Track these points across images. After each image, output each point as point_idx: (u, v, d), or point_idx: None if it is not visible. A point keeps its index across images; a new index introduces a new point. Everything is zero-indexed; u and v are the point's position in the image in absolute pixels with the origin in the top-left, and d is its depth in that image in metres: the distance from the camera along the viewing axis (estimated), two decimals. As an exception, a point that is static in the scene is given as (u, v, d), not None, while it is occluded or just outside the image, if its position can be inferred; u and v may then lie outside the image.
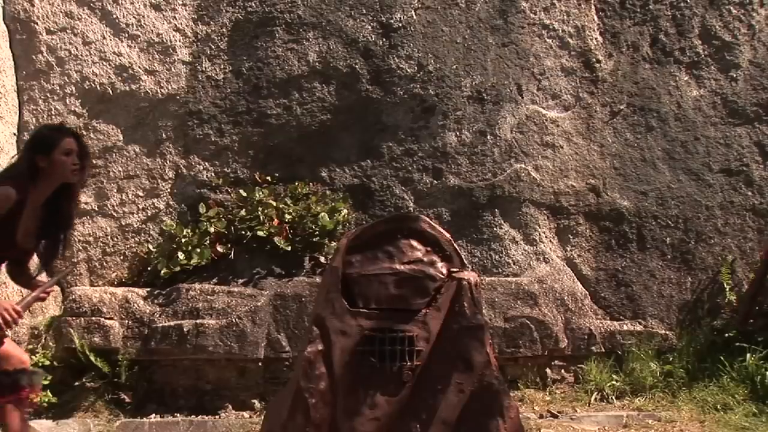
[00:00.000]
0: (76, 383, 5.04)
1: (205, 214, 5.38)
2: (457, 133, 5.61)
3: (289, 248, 5.23)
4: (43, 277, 3.73)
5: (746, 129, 5.70)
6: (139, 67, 5.58)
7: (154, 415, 4.96)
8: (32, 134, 3.74)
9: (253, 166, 5.56)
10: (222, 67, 5.62)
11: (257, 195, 5.37)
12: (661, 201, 5.62)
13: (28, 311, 5.14)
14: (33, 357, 5.12)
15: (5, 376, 3.41)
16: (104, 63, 5.56)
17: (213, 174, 5.56)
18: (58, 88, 5.54)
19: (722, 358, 5.15)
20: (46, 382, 4.99)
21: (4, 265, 3.70)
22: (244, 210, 5.33)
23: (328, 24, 5.64)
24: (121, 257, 5.53)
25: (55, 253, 3.66)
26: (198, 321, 5.03)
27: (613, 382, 5.16)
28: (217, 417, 4.97)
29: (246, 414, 4.99)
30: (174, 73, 5.61)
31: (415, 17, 5.66)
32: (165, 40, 5.61)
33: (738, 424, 4.67)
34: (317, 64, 5.62)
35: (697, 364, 5.23)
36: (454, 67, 5.64)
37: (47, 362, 5.10)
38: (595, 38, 5.74)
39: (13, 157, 3.80)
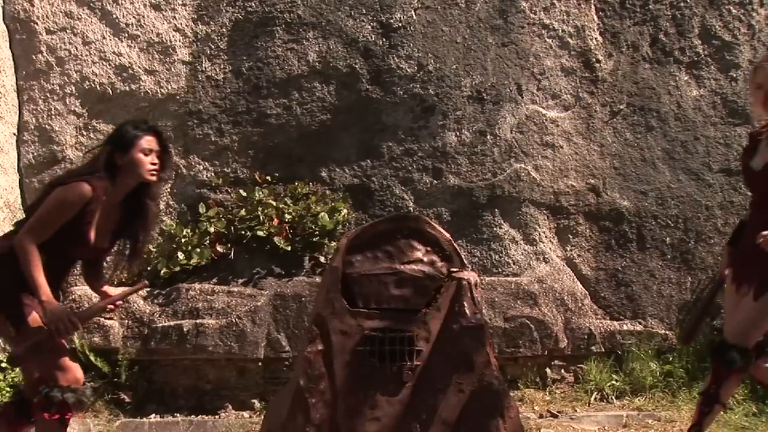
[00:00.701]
0: (76, 383, 5.04)
1: (205, 214, 5.38)
2: (457, 133, 5.61)
3: (289, 248, 5.24)
4: (112, 290, 3.55)
5: (746, 129, 5.68)
6: (139, 67, 5.58)
7: (154, 415, 4.97)
8: (114, 129, 3.60)
9: (253, 166, 5.56)
10: (222, 67, 5.62)
11: (257, 195, 5.37)
12: (661, 201, 5.62)
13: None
14: (33, 357, 5.12)
15: (58, 391, 3.26)
16: (104, 63, 5.57)
17: (213, 174, 5.56)
18: (58, 88, 5.55)
19: (722, 358, 5.15)
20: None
21: (80, 267, 3.60)
22: (243, 210, 5.34)
23: (328, 24, 5.64)
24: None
25: (134, 255, 3.51)
26: (198, 321, 5.03)
27: (613, 382, 5.16)
28: (217, 417, 4.97)
29: (246, 414, 5.00)
30: (174, 73, 5.61)
31: (415, 17, 5.66)
32: (165, 40, 5.61)
33: (738, 424, 4.67)
34: (317, 64, 5.62)
35: (697, 364, 5.23)
36: (454, 67, 5.64)
37: (47, 362, 5.09)
38: (595, 38, 5.74)
39: (93, 149, 3.63)
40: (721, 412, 4.78)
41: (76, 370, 3.33)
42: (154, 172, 3.40)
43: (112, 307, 3.47)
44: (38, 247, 3.23)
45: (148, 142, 3.39)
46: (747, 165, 3.63)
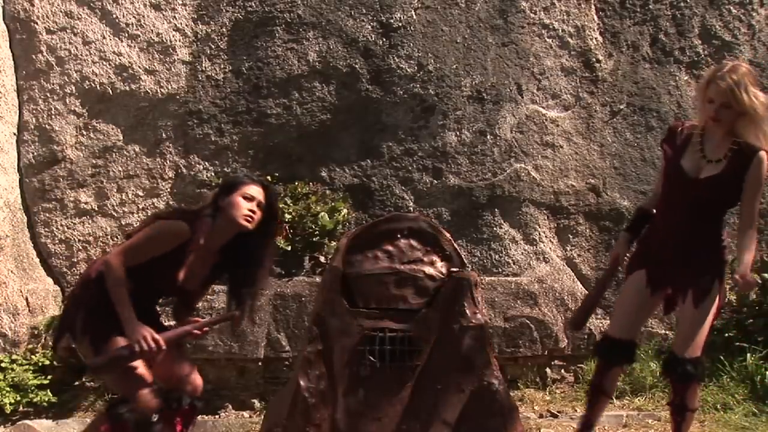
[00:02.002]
0: (76, 383, 5.05)
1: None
2: (457, 133, 5.61)
3: (288, 248, 5.24)
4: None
5: (746, 129, 5.70)
6: (139, 66, 5.58)
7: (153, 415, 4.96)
8: (224, 178, 3.61)
9: (253, 165, 5.56)
10: (222, 66, 5.62)
11: (257, 195, 5.36)
12: (661, 201, 5.62)
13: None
14: (33, 357, 5.12)
15: (123, 407, 3.24)
16: (104, 63, 5.56)
17: (213, 174, 5.56)
18: (58, 87, 5.54)
19: (722, 357, 5.15)
20: (45, 382, 5.01)
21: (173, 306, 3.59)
22: (244, 210, 5.33)
23: (328, 24, 5.64)
24: (121, 257, 5.53)
25: (240, 301, 3.44)
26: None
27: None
28: (216, 417, 4.97)
29: (246, 414, 5.00)
30: (174, 72, 5.61)
31: (415, 17, 5.66)
32: (165, 40, 5.61)
33: (738, 424, 4.67)
34: (317, 63, 5.61)
35: (697, 363, 5.23)
36: (454, 66, 5.64)
37: (47, 362, 5.10)
38: (595, 38, 5.74)
39: (205, 198, 3.63)
40: (721, 412, 4.82)
41: (150, 398, 3.26)
42: (249, 219, 3.35)
43: (198, 332, 3.41)
44: (128, 274, 3.24)
45: (252, 189, 3.38)
46: (679, 164, 3.54)
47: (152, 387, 3.28)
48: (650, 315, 4.00)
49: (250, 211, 3.35)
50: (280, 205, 5.27)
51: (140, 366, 3.27)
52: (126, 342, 3.22)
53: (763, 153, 3.44)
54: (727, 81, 3.37)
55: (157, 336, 3.22)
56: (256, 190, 3.39)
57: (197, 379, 3.47)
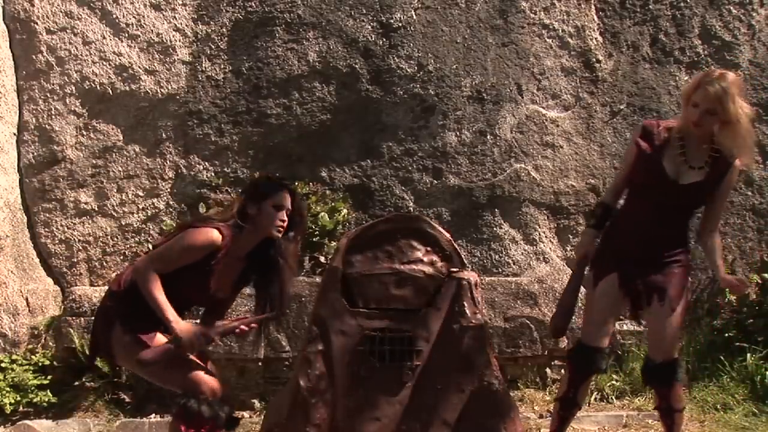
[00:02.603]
0: (76, 383, 5.04)
1: (205, 213, 5.37)
2: (457, 133, 5.61)
3: (289, 248, 5.23)
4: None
5: (746, 129, 5.70)
6: (139, 67, 5.58)
7: (154, 414, 4.96)
8: (251, 181, 3.59)
9: (253, 165, 5.56)
10: (222, 67, 5.62)
11: (257, 195, 5.36)
12: (661, 201, 5.61)
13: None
14: (33, 357, 5.13)
15: (195, 402, 3.23)
16: (104, 63, 5.56)
17: (213, 174, 5.56)
18: (58, 88, 5.55)
19: (722, 357, 5.15)
20: (45, 382, 5.01)
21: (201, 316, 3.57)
22: (244, 210, 5.33)
23: (328, 24, 5.64)
24: (121, 257, 5.53)
25: (269, 314, 3.46)
26: (197, 320, 5.02)
27: (613, 382, 5.16)
28: (217, 417, 4.96)
29: (246, 414, 4.99)
30: (174, 73, 5.61)
31: (415, 17, 5.66)
32: (165, 40, 5.61)
33: (738, 424, 4.67)
34: (317, 64, 5.62)
35: (697, 364, 5.23)
36: (454, 67, 5.64)
37: (47, 362, 5.10)
38: (595, 38, 5.74)
39: (230, 205, 3.56)
40: (721, 412, 4.82)
41: (212, 382, 3.29)
42: (281, 229, 3.36)
43: (244, 328, 3.40)
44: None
45: (282, 198, 3.37)
46: (660, 165, 3.50)
47: (210, 376, 3.31)
48: (618, 318, 3.95)
49: (281, 221, 3.36)
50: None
51: (188, 359, 3.29)
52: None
53: (738, 162, 3.48)
54: (716, 87, 3.35)
55: (206, 331, 3.25)
56: (285, 198, 3.38)
57: (215, 383, 3.44)
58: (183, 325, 3.21)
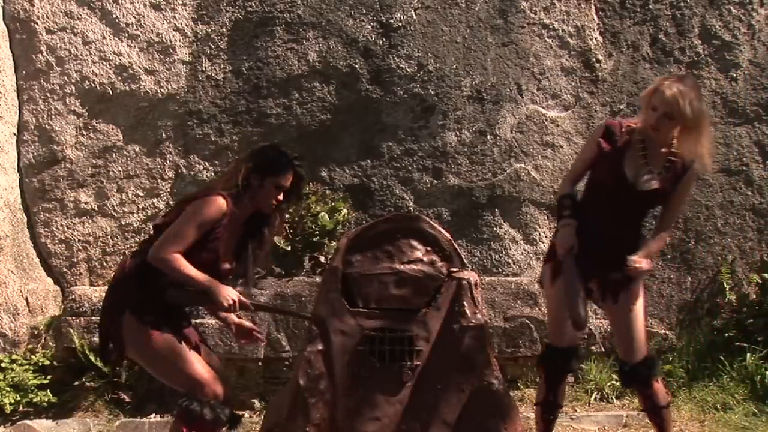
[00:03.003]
0: (76, 383, 5.05)
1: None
2: (457, 133, 5.61)
3: (289, 248, 5.23)
4: None
5: (746, 129, 5.70)
6: (139, 66, 5.58)
7: (153, 414, 4.97)
8: (260, 149, 3.55)
9: (253, 165, 5.56)
10: (222, 66, 5.62)
11: (257, 195, 5.36)
12: (661, 201, 5.61)
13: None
14: (33, 357, 5.13)
15: (197, 405, 3.24)
16: (104, 63, 5.56)
17: (213, 174, 5.56)
18: (58, 87, 5.54)
19: (722, 357, 5.16)
20: (45, 382, 5.01)
21: None
22: (244, 210, 5.33)
23: (328, 24, 5.64)
24: (121, 257, 5.52)
25: (245, 281, 3.51)
26: (198, 320, 5.02)
27: (613, 382, 5.16)
28: (217, 417, 4.96)
29: (246, 414, 4.99)
30: (174, 73, 5.61)
31: (415, 17, 5.66)
32: (165, 40, 5.61)
33: (738, 424, 4.67)
34: (317, 63, 5.62)
35: (697, 363, 5.23)
36: (454, 66, 5.64)
37: (47, 362, 5.10)
38: (595, 38, 5.74)
39: (233, 170, 3.51)
40: (721, 412, 4.82)
41: (215, 385, 3.31)
42: (273, 206, 3.43)
43: (261, 338, 3.60)
44: (160, 270, 3.25)
45: (285, 179, 3.40)
46: (621, 168, 3.53)
47: (210, 372, 3.32)
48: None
49: (277, 200, 3.42)
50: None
51: (193, 355, 3.31)
52: (191, 332, 3.34)
53: (697, 166, 3.53)
54: (673, 91, 3.38)
55: (243, 298, 3.31)
56: (288, 179, 3.42)
57: (219, 386, 3.42)
58: (223, 288, 3.27)
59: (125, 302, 3.29)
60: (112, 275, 4.08)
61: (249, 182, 3.35)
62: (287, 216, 5.26)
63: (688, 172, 3.54)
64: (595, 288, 3.65)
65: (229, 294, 3.28)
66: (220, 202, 3.29)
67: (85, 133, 5.55)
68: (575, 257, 3.55)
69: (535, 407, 3.84)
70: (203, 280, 3.24)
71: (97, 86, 5.56)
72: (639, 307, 3.61)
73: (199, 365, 3.31)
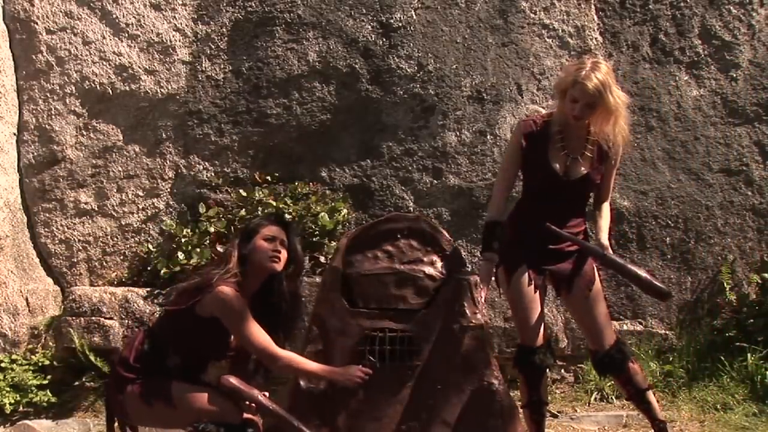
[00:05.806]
0: (76, 383, 5.05)
1: (205, 213, 5.38)
2: (457, 133, 5.61)
3: (289, 248, 5.23)
4: None
5: (746, 129, 5.70)
6: (139, 67, 5.58)
7: (154, 415, 4.96)
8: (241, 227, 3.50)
9: (253, 165, 5.57)
10: (222, 67, 5.62)
11: (257, 195, 5.37)
12: (661, 201, 5.61)
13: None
14: (33, 357, 5.13)
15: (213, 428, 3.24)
16: (104, 63, 5.57)
17: (213, 174, 5.56)
18: (58, 88, 5.55)
19: (722, 357, 5.15)
20: (45, 382, 5.01)
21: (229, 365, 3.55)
22: (244, 210, 5.33)
23: (328, 24, 5.64)
24: (121, 257, 5.53)
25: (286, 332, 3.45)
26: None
27: (613, 382, 5.15)
28: (217, 417, 4.95)
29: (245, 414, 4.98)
30: (174, 73, 5.61)
31: (415, 17, 5.66)
32: (165, 40, 5.61)
33: (738, 424, 4.67)
34: (317, 63, 5.62)
35: (697, 364, 5.23)
36: (454, 66, 5.64)
37: (47, 362, 5.10)
38: (595, 38, 5.74)
39: (226, 255, 3.45)
40: (721, 412, 4.82)
41: (233, 409, 3.33)
42: (276, 259, 3.30)
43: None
44: (173, 350, 3.31)
45: (270, 230, 3.33)
46: (547, 163, 3.61)
47: (229, 400, 3.33)
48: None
49: (275, 251, 3.30)
50: (281, 206, 5.29)
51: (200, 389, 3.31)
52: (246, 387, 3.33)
53: (619, 141, 3.63)
54: (594, 82, 3.46)
55: (360, 373, 3.30)
56: (273, 229, 3.34)
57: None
58: (343, 369, 3.33)
59: (129, 379, 3.27)
60: (124, 342, 4.09)
61: (243, 255, 3.30)
62: (288, 217, 5.26)
63: (612, 150, 3.65)
64: (549, 283, 3.72)
65: (351, 372, 3.30)
66: (234, 292, 3.21)
67: (85, 133, 5.55)
68: (523, 256, 3.66)
69: (522, 410, 3.82)
70: (317, 370, 3.33)
71: (97, 86, 5.56)
72: (597, 293, 3.67)
73: (210, 396, 3.32)
